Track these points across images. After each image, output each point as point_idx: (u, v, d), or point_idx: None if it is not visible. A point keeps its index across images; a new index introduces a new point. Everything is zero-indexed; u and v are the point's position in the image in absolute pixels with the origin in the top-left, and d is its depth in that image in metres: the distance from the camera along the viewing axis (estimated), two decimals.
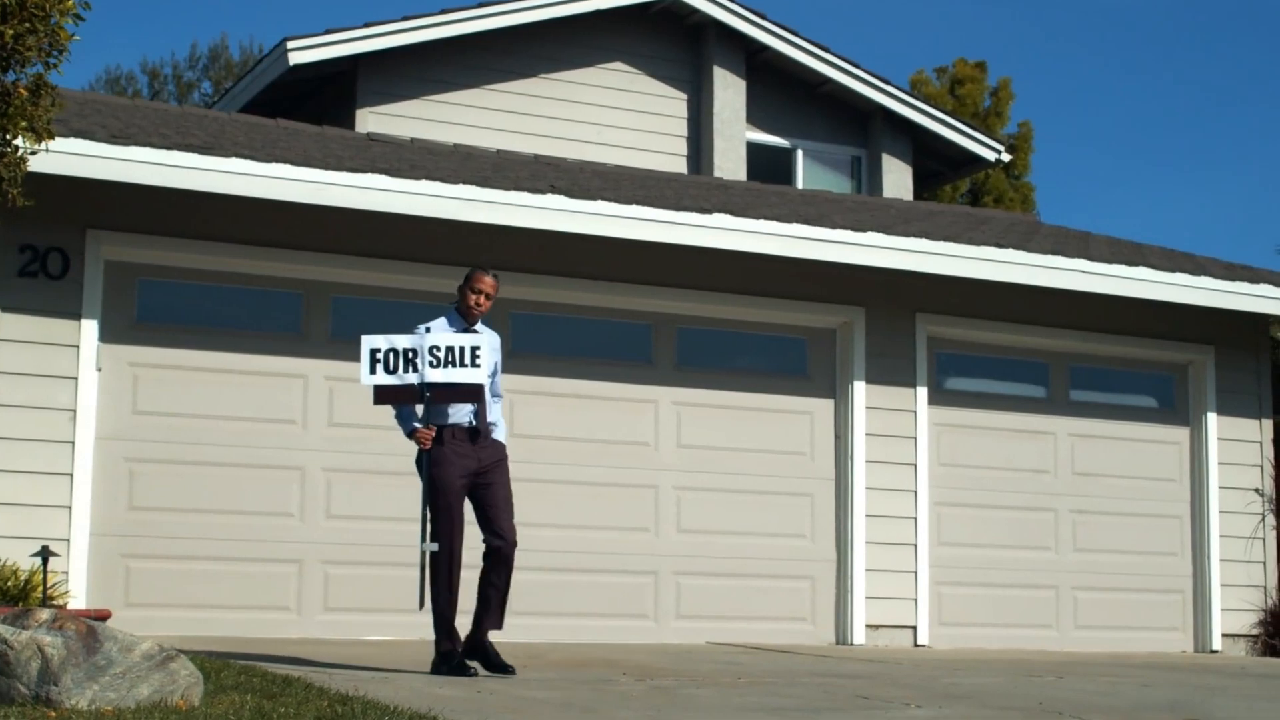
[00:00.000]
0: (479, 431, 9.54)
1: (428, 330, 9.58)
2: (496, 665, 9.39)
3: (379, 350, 9.39)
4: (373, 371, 9.36)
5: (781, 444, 13.98)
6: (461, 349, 9.37)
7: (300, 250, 12.42)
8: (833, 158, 19.82)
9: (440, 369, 9.31)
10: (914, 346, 14.40)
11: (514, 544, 9.48)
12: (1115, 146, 61.54)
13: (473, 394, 9.39)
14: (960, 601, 14.46)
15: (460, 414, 9.47)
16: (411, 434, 9.51)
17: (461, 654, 9.40)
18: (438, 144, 16.05)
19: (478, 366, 9.35)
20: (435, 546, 9.37)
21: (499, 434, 9.71)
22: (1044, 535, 14.95)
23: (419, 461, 9.58)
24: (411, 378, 9.32)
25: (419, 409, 9.49)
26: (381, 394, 9.43)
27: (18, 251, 11.57)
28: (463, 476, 9.43)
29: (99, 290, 11.78)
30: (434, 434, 9.41)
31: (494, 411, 9.74)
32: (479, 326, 9.70)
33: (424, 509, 9.44)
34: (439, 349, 9.36)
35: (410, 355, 9.34)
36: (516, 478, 11.21)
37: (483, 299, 9.62)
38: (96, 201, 11.74)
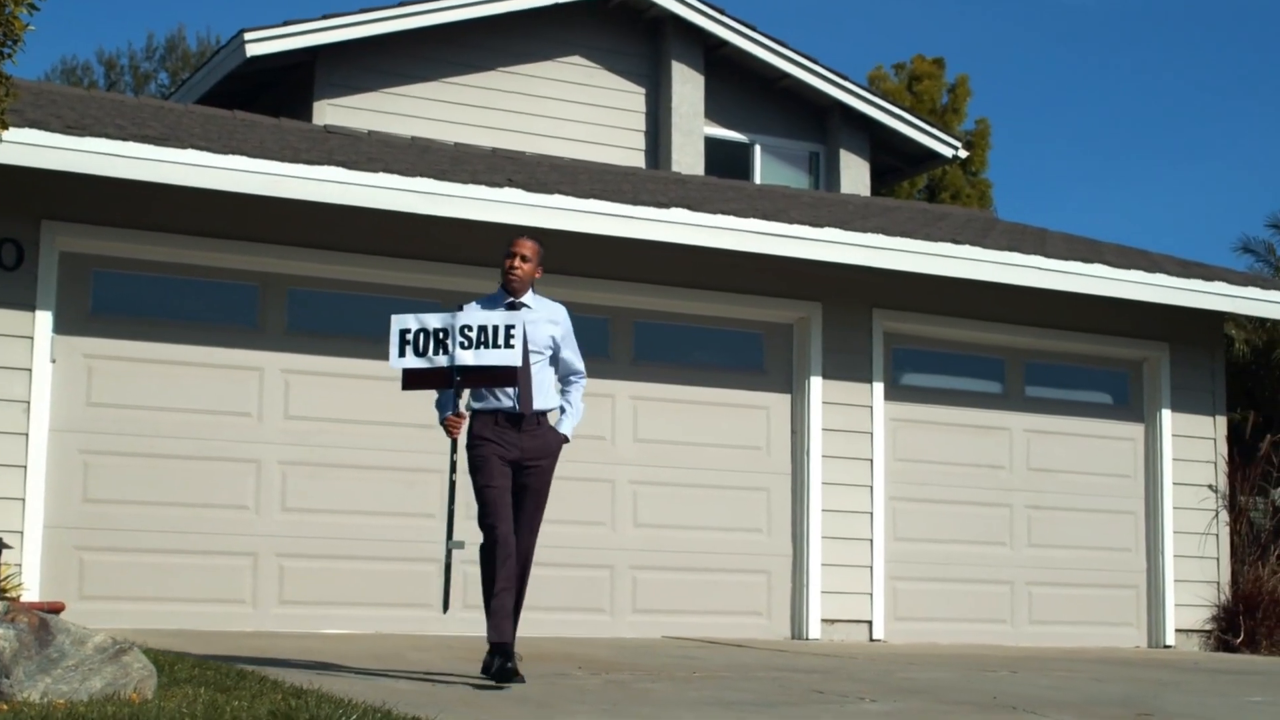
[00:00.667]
0: (523, 417, 8.75)
1: (461, 309, 8.86)
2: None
3: (409, 331, 8.73)
4: (402, 354, 8.71)
5: (738, 439, 13.99)
6: (495, 328, 8.64)
7: (257, 242, 12.37)
8: (791, 153, 19.83)
9: (472, 350, 8.60)
10: (871, 342, 14.43)
11: (526, 550, 8.78)
12: (1072, 144, 61.78)
13: (506, 377, 8.62)
14: (916, 596, 14.50)
15: (503, 399, 8.74)
16: (444, 423, 8.80)
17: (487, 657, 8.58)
18: (396, 137, 16.02)
19: (511, 347, 8.57)
20: (462, 544, 8.62)
21: (566, 423, 8.99)
22: (999, 530, 14.99)
23: (456, 450, 8.79)
24: (442, 360, 8.64)
25: (465, 396, 8.85)
26: (410, 378, 8.79)
27: None
28: (504, 462, 8.68)
29: (53, 281, 11.72)
30: (464, 423, 8.73)
31: (573, 392, 9.06)
32: (533, 300, 8.95)
33: (449, 504, 8.78)
34: (470, 329, 8.64)
35: (441, 336, 8.66)
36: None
37: (516, 261, 8.84)
38: (51, 192, 11.68)
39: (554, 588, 12.76)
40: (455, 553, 8.62)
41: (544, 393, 8.86)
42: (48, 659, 6.67)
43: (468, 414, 8.81)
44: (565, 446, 8.95)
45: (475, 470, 8.66)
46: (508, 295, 8.89)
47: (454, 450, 8.79)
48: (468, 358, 8.61)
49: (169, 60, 44.55)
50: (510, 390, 8.69)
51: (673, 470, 13.65)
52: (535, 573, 8.86)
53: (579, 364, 9.07)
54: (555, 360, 8.97)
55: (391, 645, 11.05)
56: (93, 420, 11.87)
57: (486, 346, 8.59)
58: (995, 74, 59.63)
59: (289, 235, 12.41)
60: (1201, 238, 57.81)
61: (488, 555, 8.59)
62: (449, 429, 8.75)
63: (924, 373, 14.92)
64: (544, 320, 8.86)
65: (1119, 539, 15.49)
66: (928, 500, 14.66)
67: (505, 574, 8.54)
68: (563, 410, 8.99)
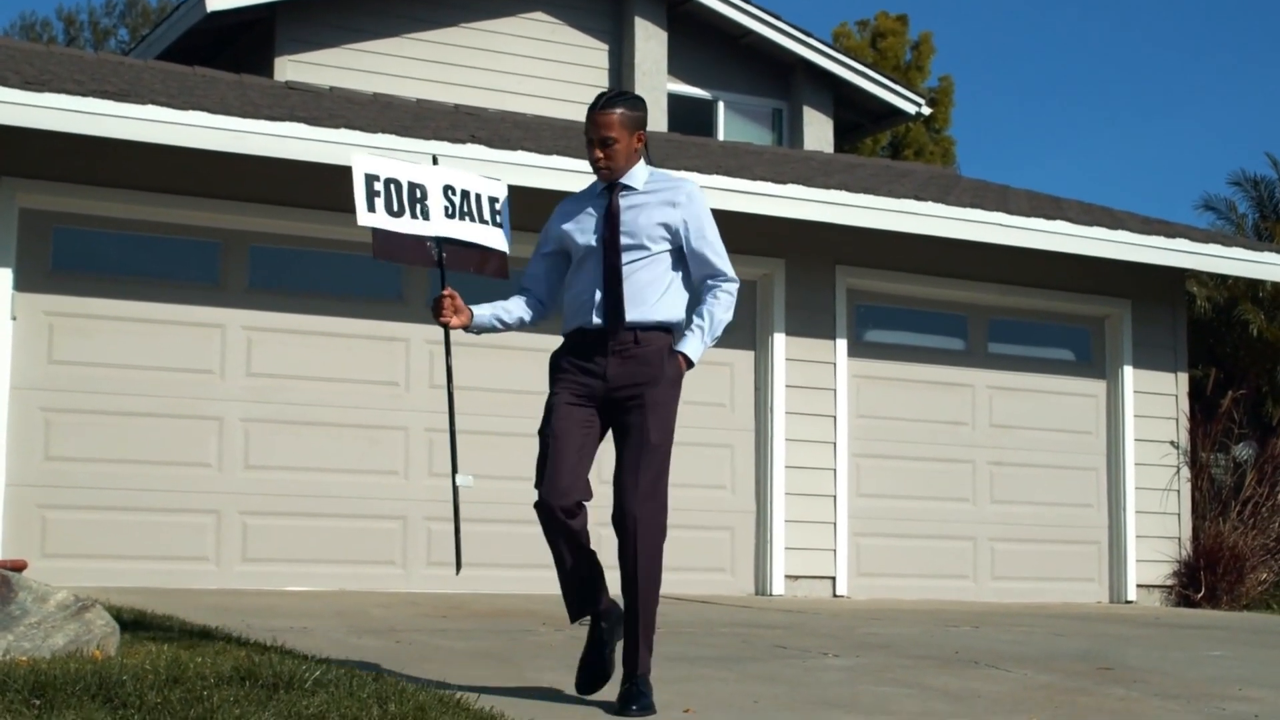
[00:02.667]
0: (609, 334, 6.43)
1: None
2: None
3: (376, 179, 6.83)
4: (371, 207, 6.76)
5: (701, 395, 13.95)
6: (477, 196, 7.00)
7: (218, 199, 12.31)
8: (754, 110, 19.80)
9: (455, 220, 6.91)
10: (834, 299, 14.44)
11: (633, 520, 6.72)
12: (1035, 102, 61.86)
13: (496, 265, 6.98)
14: (879, 552, 14.54)
15: (587, 313, 6.48)
16: (434, 304, 6.70)
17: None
18: (357, 93, 15.94)
19: (498, 226, 6.99)
20: (467, 480, 7.09)
21: (690, 340, 6.56)
22: (962, 487, 15.04)
23: (450, 351, 6.96)
24: (420, 227, 6.84)
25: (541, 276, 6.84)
26: (384, 243, 6.78)
27: None
28: (581, 400, 6.53)
29: (13, 238, 11.65)
30: (457, 302, 6.66)
31: (710, 302, 6.64)
32: (643, 178, 6.60)
33: (451, 433, 7.06)
34: (453, 191, 6.94)
35: (418, 195, 6.87)
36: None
37: (596, 152, 6.56)
38: (10, 148, 11.61)
39: (520, 545, 12.76)
40: (461, 490, 7.04)
41: (649, 300, 6.44)
42: (9, 616, 6.65)
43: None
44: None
45: (544, 412, 6.61)
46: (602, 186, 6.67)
47: (448, 349, 6.97)
48: (452, 228, 6.91)
49: (129, 16, 44.28)
50: (596, 295, 6.45)
51: None
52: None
53: (719, 262, 6.64)
54: (684, 257, 6.63)
55: (355, 602, 11.05)
56: (54, 378, 11.81)
57: (472, 219, 6.97)
58: (959, 31, 59.70)
59: (250, 192, 12.36)
60: (1164, 195, 58.02)
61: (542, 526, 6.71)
62: (438, 311, 6.65)
63: (887, 329, 14.94)
64: (656, 203, 6.54)
65: (1081, 495, 15.55)
66: (891, 456, 14.70)
67: (563, 552, 6.79)
68: (689, 325, 6.62)
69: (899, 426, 14.78)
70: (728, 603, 12.76)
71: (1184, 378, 15.98)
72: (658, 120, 18.31)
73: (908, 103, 20.37)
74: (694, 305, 6.65)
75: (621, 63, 18.68)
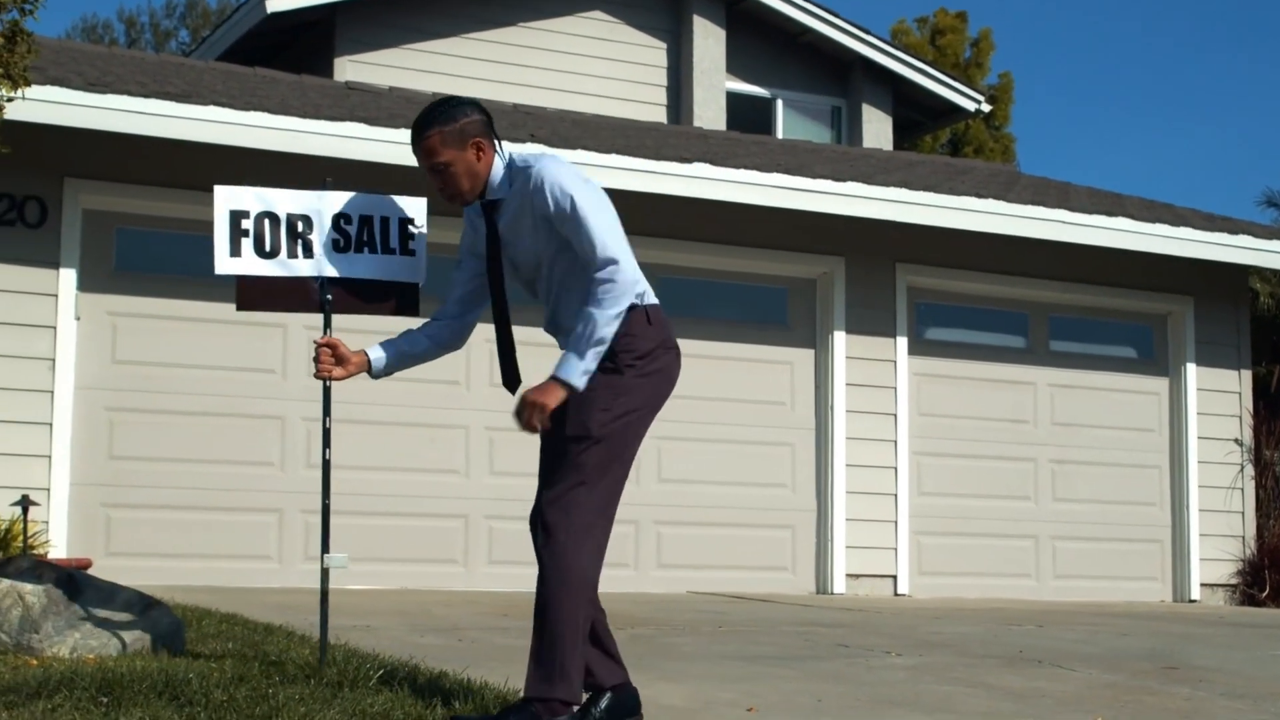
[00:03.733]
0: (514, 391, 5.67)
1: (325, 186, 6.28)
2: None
3: (245, 215, 5.98)
4: (235, 251, 5.94)
5: (762, 394, 13.97)
6: (383, 221, 6.07)
7: None
8: (813, 108, 19.76)
9: (348, 254, 6.03)
10: (894, 297, 14.39)
11: (539, 525, 5.50)
12: (1096, 97, 61.53)
13: (397, 302, 6.07)
14: (940, 551, 14.49)
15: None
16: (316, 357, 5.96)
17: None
18: (417, 93, 15.97)
19: (410, 253, 6.07)
20: (340, 560, 6.55)
21: (563, 365, 5.35)
22: (1024, 485, 14.97)
23: (328, 410, 6.47)
24: (302, 265, 6.03)
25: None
26: (252, 291, 6.03)
27: None
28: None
29: (77, 239, 11.73)
30: (332, 351, 5.91)
31: (589, 303, 5.38)
32: (503, 186, 5.57)
33: (324, 510, 6.60)
34: (348, 219, 6.03)
35: (299, 227, 6.00)
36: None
37: (436, 182, 5.61)
38: (74, 150, 11.68)
39: None
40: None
41: (598, 290, 5.42)
42: (76, 614, 6.70)
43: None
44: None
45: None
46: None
47: (326, 407, 6.37)
48: (343, 264, 6.07)
49: (189, 18, 44.54)
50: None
51: (697, 426, 13.63)
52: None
53: (592, 247, 5.47)
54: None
55: (417, 600, 11.08)
56: (117, 377, 11.88)
57: (373, 250, 6.05)
58: (1019, 27, 59.42)
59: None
60: (1226, 192, 57.62)
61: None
62: (317, 364, 5.89)
63: (948, 327, 14.89)
64: (523, 205, 5.56)
65: (1143, 493, 15.46)
66: (952, 455, 14.65)
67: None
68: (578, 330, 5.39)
69: (960, 424, 14.72)
70: (789, 601, 12.73)
71: (1247, 375, 15.88)
72: (717, 118, 18.29)
73: (967, 100, 20.30)
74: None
75: (680, 61, 18.66)
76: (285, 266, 5.98)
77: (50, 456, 11.49)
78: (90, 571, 8.12)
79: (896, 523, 14.21)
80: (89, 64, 13.47)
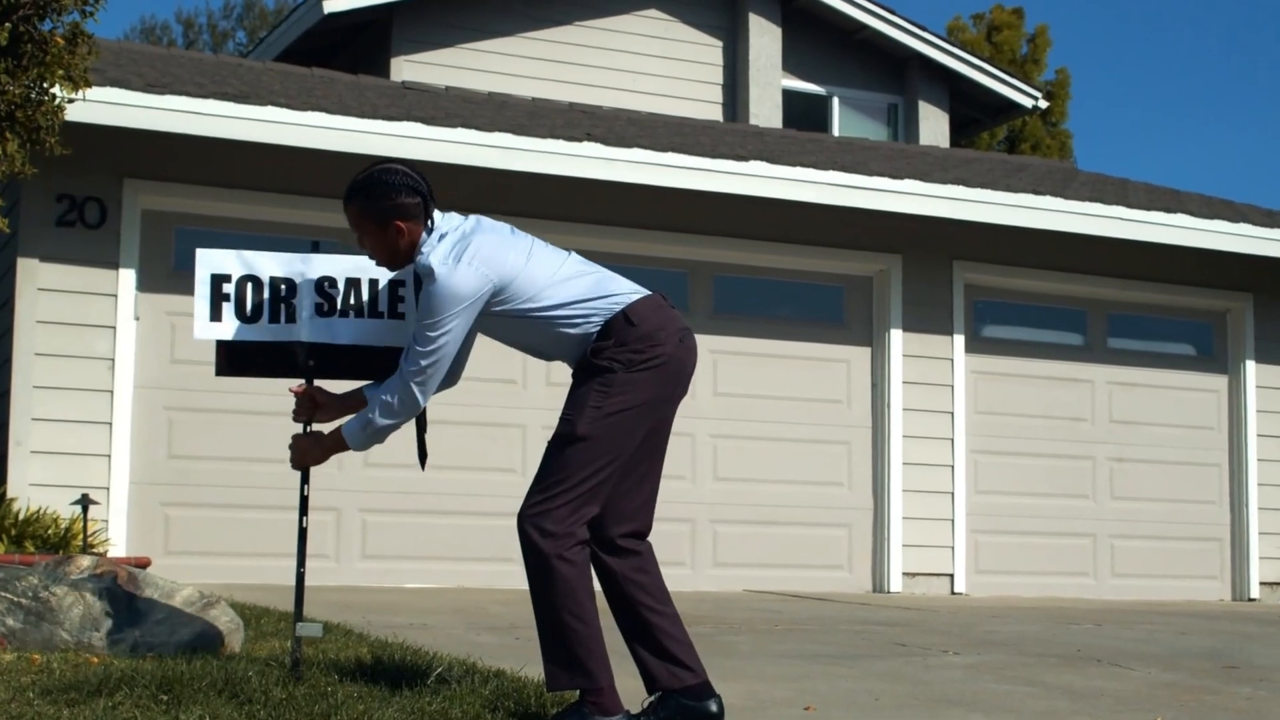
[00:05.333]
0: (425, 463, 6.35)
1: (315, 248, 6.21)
2: None
3: (227, 279, 5.91)
4: (215, 315, 5.91)
5: (818, 392, 13.95)
6: (372, 283, 5.96)
7: (336, 199, 12.35)
8: (869, 105, 19.72)
9: (333, 319, 5.97)
10: (951, 294, 14.35)
11: (520, 519, 5.45)
12: (1154, 93, 61.19)
13: (389, 368, 5.84)
14: (997, 549, 14.45)
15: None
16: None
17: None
18: (473, 92, 16.02)
19: (400, 316, 5.96)
20: (314, 629, 6.23)
21: (349, 424, 5.98)
22: (1081, 483, 14.91)
23: (306, 480, 6.62)
24: (285, 332, 5.98)
25: None
26: (232, 357, 6.05)
27: (55, 201, 11.60)
28: None
29: (136, 239, 11.81)
30: (309, 399, 6.26)
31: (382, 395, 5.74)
32: (427, 255, 5.45)
33: (299, 575, 6.44)
34: (333, 284, 5.95)
35: (282, 291, 5.94)
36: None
37: (362, 245, 5.74)
38: (133, 151, 11.76)
39: None
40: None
41: (556, 349, 5.65)
42: (136, 612, 6.74)
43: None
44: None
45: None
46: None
47: (304, 475, 6.57)
48: (328, 329, 5.98)
49: (246, 19, 44.76)
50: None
51: (752, 424, 13.63)
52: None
53: (416, 340, 5.49)
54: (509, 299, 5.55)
55: (474, 599, 11.11)
56: (176, 377, 11.96)
57: (360, 315, 5.96)
58: (1075, 23, 59.15)
59: None
60: None
61: None
62: (298, 411, 6.24)
63: (1005, 325, 14.83)
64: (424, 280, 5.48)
65: (1203, 491, 15.38)
66: (1009, 453, 14.59)
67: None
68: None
69: (1018, 423, 14.67)
70: (845, 600, 12.71)
71: None
72: (772, 116, 18.26)
73: (1024, 96, 20.22)
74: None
75: (736, 59, 18.65)
76: (267, 331, 5.93)
77: (110, 455, 11.57)
78: (149, 570, 8.18)
79: (953, 521, 14.17)
80: (148, 65, 13.55)
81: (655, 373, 5.53)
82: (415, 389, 5.60)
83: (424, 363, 5.48)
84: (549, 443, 5.49)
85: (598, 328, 5.49)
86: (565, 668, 5.39)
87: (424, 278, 5.40)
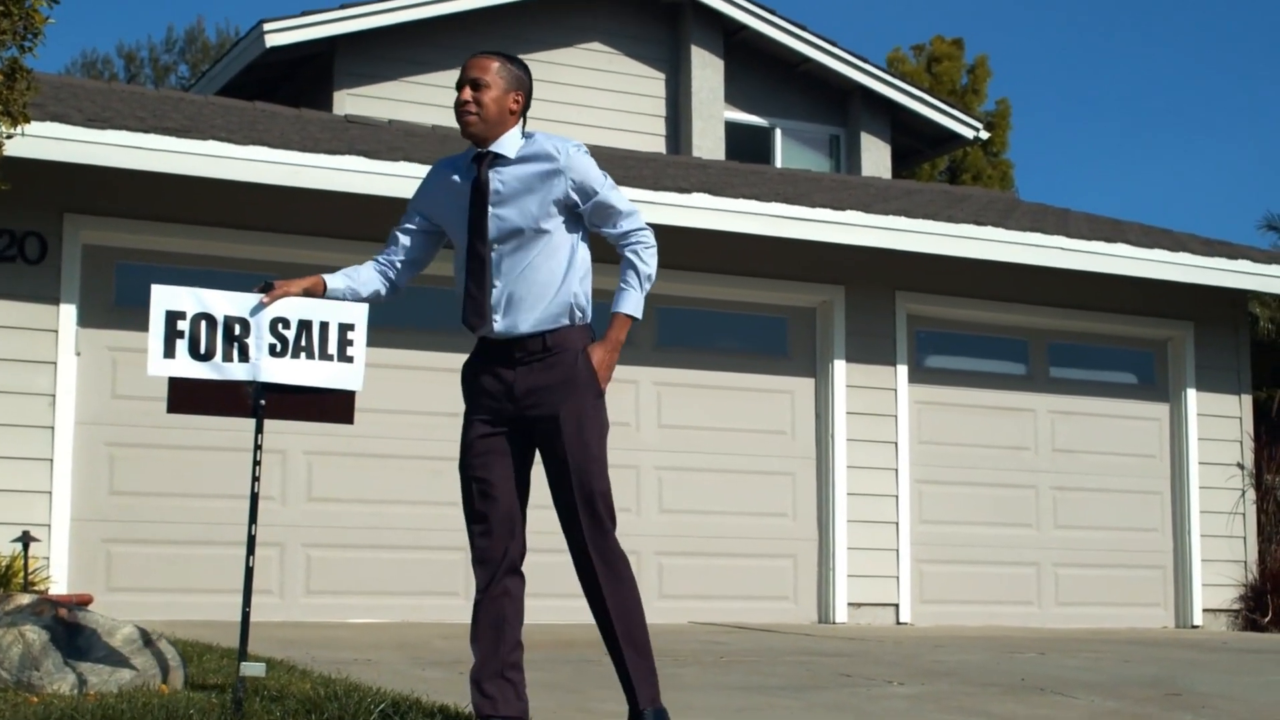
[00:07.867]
0: (513, 343, 5.68)
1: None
2: None
3: (181, 316, 5.94)
4: (169, 353, 5.93)
5: (762, 423, 13.98)
6: (323, 325, 6.01)
7: (279, 233, 12.37)
8: (811, 137, 19.79)
9: (285, 360, 5.99)
10: (894, 325, 14.40)
11: (590, 561, 6.33)
12: (1094, 123, 61.65)
13: (334, 409, 6.16)
14: (942, 579, 14.48)
15: (483, 316, 5.71)
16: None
17: None
18: (416, 125, 16.02)
19: (349, 360, 6.06)
20: (257, 669, 6.13)
21: (625, 297, 5.82)
22: (1025, 512, 14.97)
23: (260, 443, 6.29)
24: (237, 370, 5.99)
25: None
26: (183, 394, 6.03)
27: None
28: (496, 426, 5.74)
29: (77, 274, 11.75)
30: (282, 286, 6.04)
31: (628, 253, 5.80)
32: (515, 144, 5.82)
33: (243, 620, 6.34)
34: (286, 324, 5.98)
35: (236, 330, 5.97)
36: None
37: (466, 92, 5.81)
38: (73, 185, 11.70)
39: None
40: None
41: (546, 296, 5.68)
42: (77, 650, 6.69)
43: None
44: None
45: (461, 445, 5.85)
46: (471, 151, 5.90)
47: (253, 514, 6.42)
48: (279, 369, 6.02)
49: (189, 52, 44.64)
50: (492, 293, 5.70)
51: (697, 455, 13.65)
52: (563, 560, 6.44)
53: (625, 217, 5.84)
54: (583, 220, 5.88)
55: (418, 634, 11.06)
56: (118, 413, 11.89)
57: (310, 356, 6.02)
58: (1015, 54, 59.58)
59: (311, 226, 12.42)
60: (1225, 216, 57.67)
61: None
62: (268, 291, 6.04)
63: (948, 355, 14.90)
64: (533, 173, 5.76)
65: (1145, 519, 15.46)
66: (953, 482, 14.64)
67: (482, 624, 6.31)
68: (622, 282, 5.80)
69: (961, 452, 14.73)
70: (791, 631, 12.72)
71: (1248, 400, 15.88)
72: (715, 148, 18.32)
73: (965, 127, 20.32)
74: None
75: (679, 91, 18.70)
76: (219, 370, 5.97)
77: (51, 492, 11.49)
78: (91, 607, 8.11)
79: (898, 551, 14.20)
80: (89, 100, 13.50)
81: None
82: (650, 230, 5.92)
83: (634, 205, 5.95)
84: (572, 453, 5.71)
85: (586, 318, 5.78)
86: (650, 684, 6.28)
87: (563, 154, 5.81)
